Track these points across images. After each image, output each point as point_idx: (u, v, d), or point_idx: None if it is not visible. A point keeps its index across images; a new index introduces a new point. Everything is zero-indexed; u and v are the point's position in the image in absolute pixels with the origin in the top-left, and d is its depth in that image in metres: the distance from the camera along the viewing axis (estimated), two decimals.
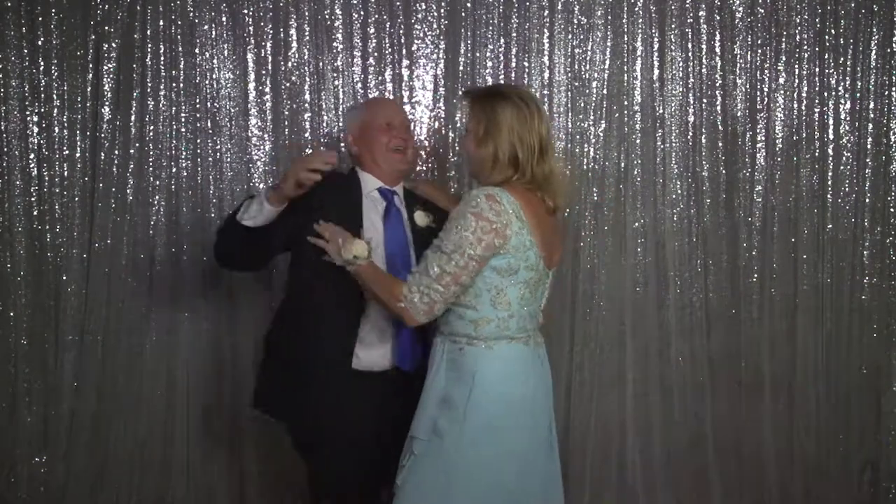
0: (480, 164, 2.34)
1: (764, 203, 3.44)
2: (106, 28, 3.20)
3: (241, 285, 3.27)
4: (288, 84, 3.28)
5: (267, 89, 3.29)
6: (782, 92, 3.43)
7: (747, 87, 3.42)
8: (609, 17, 3.34)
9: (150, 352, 3.28)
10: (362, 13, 3.28)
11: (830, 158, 3.46)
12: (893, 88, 3.46)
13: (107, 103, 3.22)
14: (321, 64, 3.28)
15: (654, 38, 3.37)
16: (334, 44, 3.29)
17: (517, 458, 2.31)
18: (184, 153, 3.27)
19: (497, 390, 2.30)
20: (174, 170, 3.27)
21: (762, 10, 3.39)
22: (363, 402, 2.60)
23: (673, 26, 3.37)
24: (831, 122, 3.46)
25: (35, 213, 3.23)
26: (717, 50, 3.40)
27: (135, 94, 3.23)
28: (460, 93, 2.45)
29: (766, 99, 3.43)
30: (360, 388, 2.59)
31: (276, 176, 3.29)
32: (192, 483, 3.32)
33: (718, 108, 3.41)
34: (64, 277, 3.24)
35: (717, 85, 3.40)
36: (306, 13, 3.27)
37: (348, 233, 2.44)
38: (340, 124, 3.26)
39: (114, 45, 3.21)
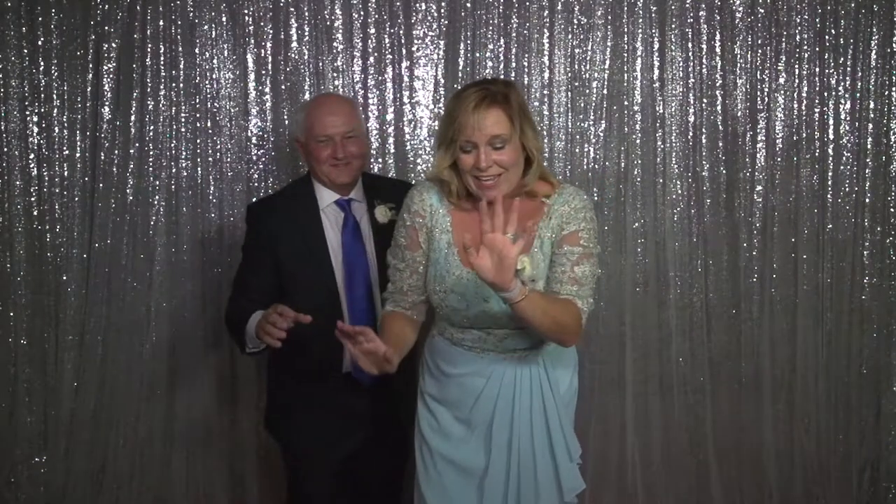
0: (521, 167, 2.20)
1: (764, 203, 3.43)
2: (106, 28, 3.20)
3: None
4: (288, 84, 3.28)
5: (267, 89, 3.29)
6: (782, 92, 3.43)
7: (747, 87, 3.41)
8: (609, 17, 3.34)
9: (150, 352, 3.28)
10: (362, 13, 3.28)
11: (830, 158, 3.46)
12: (893, 88, 3.45)
13: (107, 103, 3.22)
14: (321, 64, 3.28)
15: (654, 38, 3.36)
16: (334, 44, 3.29)
17: None
18: (184, 153, 3.27)
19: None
20: (174, 170, 3.27)
21: (762, 10, 3.39)
22: (353, 411, 2.67)
23: (673, 26, 3.37)
24: (831, 122, 3.45)
25: (35, 213, 3.23)
26: (717, 50, 3.39)
27: (135, 94, 3.22)
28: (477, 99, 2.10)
29: (766, 99, 3.42)
30: (350, 395, 2.64)
31: (275, 176, 3.30)
32: (191, 483, 3.33)
33: (718, 108, 3.41)
34: (64, 277, 3.24)
35: (717, 85, 3.40)
36: (306, 13, 3.27)
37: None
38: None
39: (114, 45, 3.20)
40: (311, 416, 2.68)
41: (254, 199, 3.25)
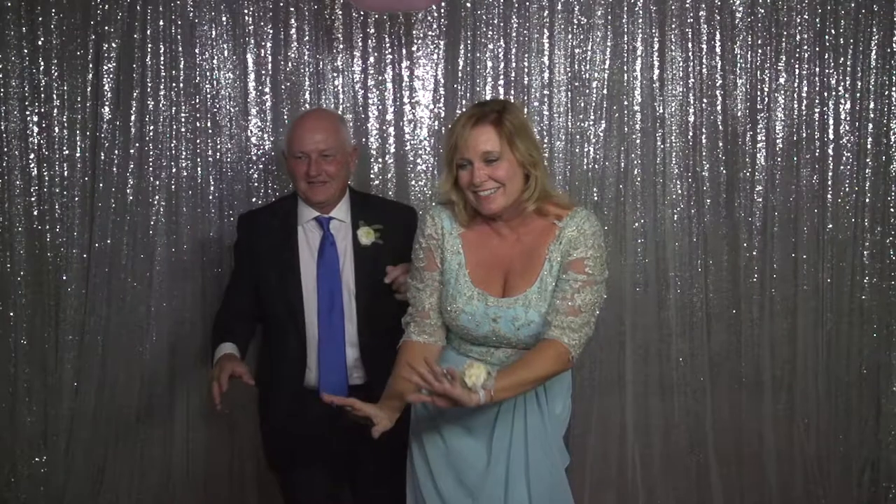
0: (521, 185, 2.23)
1: (764, 203, 3.44)
2: (106, 28, 3.20)
3: None
4: (288, 84, 3.28)
5: (267, 89, 3.29)
6: (782, 92, 3.43)
7: (747, 87, 3.41)
8: (609, 17, 3.34)
9: (150, 352, 3.28)
10: (362, 13, 3.28)
11: (830, 158, 3.46)
12: (893, 88, 3.45)
13: (107, 103, 3.22)
14: (321, 64, 3.28)
15: (654, 38, 3.36)
16: (334, 44, 3.29)
17: None
18: (184, 153, 3.27)
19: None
20: (174, 170, 3.27)
21: (762, 10, 3.39)
22: (319, 418, 2.63)
23: (673, 26, 3.37)
24: (831, 122, 3.45)
25: (35, 213, 3.23)
26: (717, 50, 3.39)
27: (135, 94, 3.23)
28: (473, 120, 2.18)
29: (766, 99, 3.43)
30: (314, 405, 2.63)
31: (275, 176, 3.30)
32: (192, 483, 3.33)
33: (718, 108, 3.41)
34: (64, 277, 3.24)
35: (717, 85, 3.40)
36: (306, 13, 3.27)
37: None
38: None
39: (114, 45, 3.20)
40: (292, 427, 2.67)
41: (254, 200, 3.26)
